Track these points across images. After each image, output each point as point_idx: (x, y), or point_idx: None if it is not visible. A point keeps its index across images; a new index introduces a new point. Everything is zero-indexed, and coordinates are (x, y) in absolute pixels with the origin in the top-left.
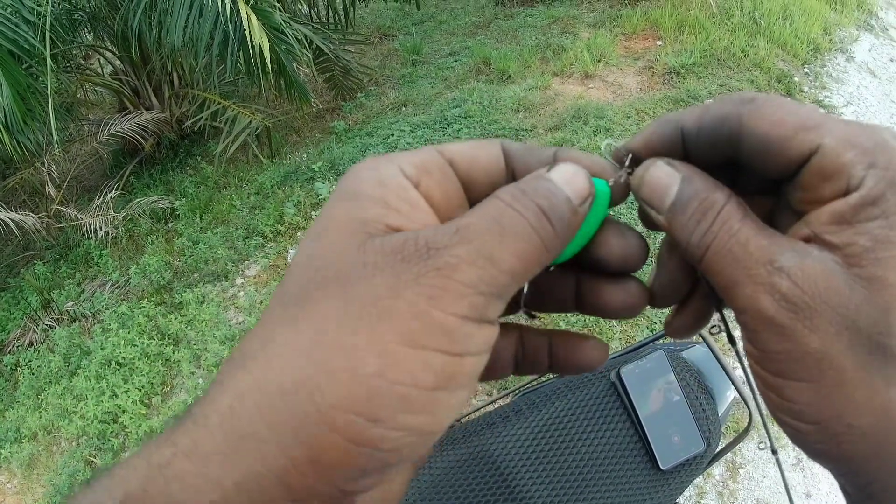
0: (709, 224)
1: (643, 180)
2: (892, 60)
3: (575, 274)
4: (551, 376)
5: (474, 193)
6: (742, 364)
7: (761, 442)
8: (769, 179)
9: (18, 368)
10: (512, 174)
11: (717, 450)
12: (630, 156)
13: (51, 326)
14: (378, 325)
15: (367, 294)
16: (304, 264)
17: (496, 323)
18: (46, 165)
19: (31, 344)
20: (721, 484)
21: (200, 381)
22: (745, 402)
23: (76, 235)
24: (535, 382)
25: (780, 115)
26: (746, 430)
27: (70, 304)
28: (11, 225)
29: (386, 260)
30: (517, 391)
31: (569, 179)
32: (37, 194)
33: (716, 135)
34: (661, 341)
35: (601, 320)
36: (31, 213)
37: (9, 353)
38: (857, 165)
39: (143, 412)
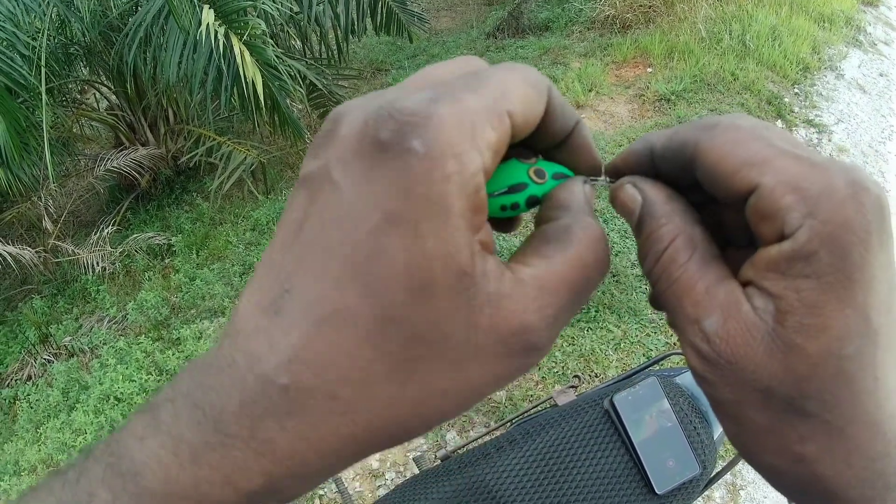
0: (655, 260)
1: (615, 201)
2: (881, 75)
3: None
4: (544, 406)
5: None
6: None
7: None
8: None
9: (17, 402)
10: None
11: (714, 473)
12: (603, 174)
13: (49, 361)
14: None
15: (478, 381)
16: (406, 319)
17: None
18: (43, 200)
19: (29, 378)
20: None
21: None
22: None
23: (73, 270)
24: (530, 412)
25: (728, 149)
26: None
27: (68, 338)
28: (9, 259)
29: (496, 349)
30: (512, 421)
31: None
32: (34, 228)
33: (676, 159)
34: (654, 367)
35: (597, 350)
36: (29, 248)
37: (7, 386)
38: (792, 212)
39: None
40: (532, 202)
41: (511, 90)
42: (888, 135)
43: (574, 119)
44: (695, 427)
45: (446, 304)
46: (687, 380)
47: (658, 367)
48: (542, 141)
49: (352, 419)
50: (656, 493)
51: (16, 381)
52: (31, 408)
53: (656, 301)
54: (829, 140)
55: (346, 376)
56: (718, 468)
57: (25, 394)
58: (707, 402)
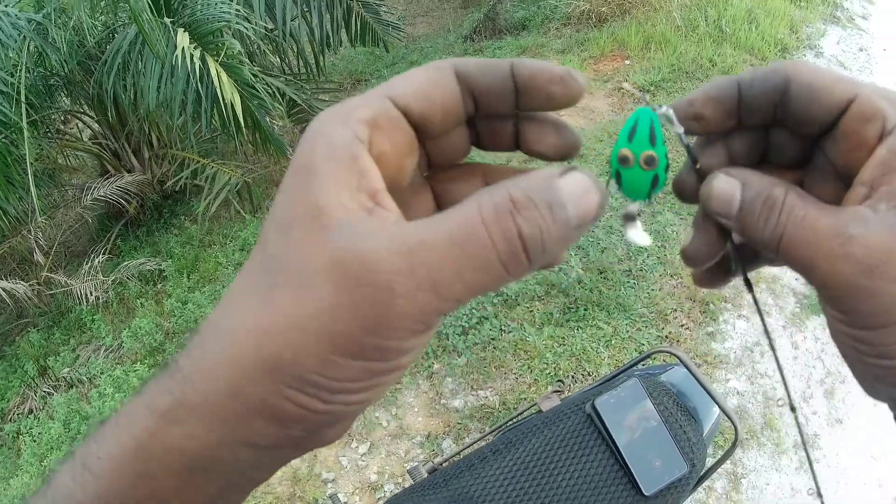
0: (776, 218)
1: (710, 195)
2: (861, 50)
3: (513, 121)
4: (529, 413)
5: (430, 134)
6: (761, 315)
7: (779, 399)
8: (805, 139)
9: (20, 436)
10: (472, 98)
11: (704, 470)
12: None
13: (49, 393)
14: (322, 338)
15: (319, 306)
16: (273, 255)
17: (433, 325)
18: (33, 233)
19: (30, 411)
20: (724, 497)
21: None
22: (730, 418)
23: (67, 301)
24: (512, 421)
25: (821, 71)
26: (733, 447)
27: (66, 370)
28: (3, 294)
29: (333, 276)
30: (495, 431)
31: (579, 196)
32: (26, 262)
33: (767, 83)
34: (637, 367)
35: (588, 348)
36: (22, 282)
37: (10, 421)
38: (889, 110)
39: None
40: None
41: (400, 80)
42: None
43: (507, 69)
44: (681, 425)
45: (301, 236)
46: (673, 377)
47: (643, 366)
48: (529, 103)
49: (230, 339)
50: (644, 495)
51: (18, 415)
52: (35, 441)
53: (777, 252)
54: None
55: (228, 303)
56: (710, 464)
57: (28, 428)
58: (695, 399)
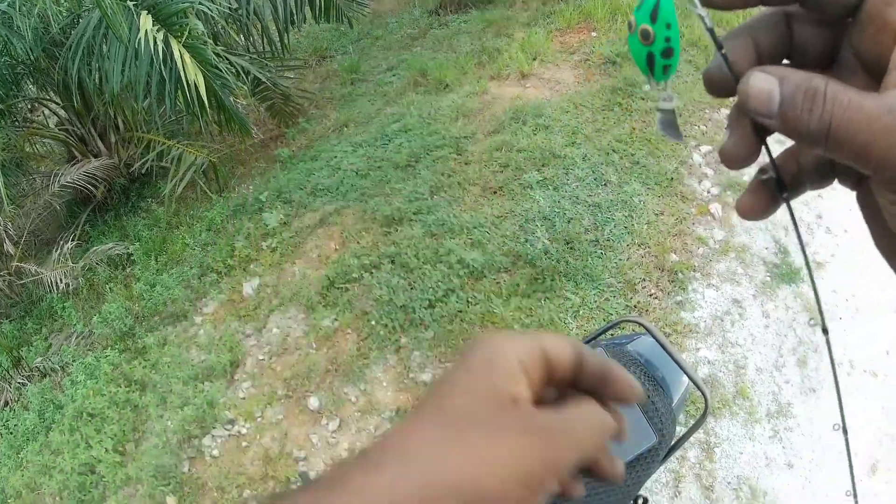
0: (821, 107)
1: (748, 94)
2: None
3: None
4: None
5: (554, 373)
6: (794, 219)
7: (812, 318)
8: (829, 30)
9: None
10: (580, 365)
11: (675, 440)
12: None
13: (23, 384)
14: (512, 475)
15: (511, 451)
16: (456, 406)
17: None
18: (2, 223)
19: (6, 404)
20: (697, 466)
21: (168, 423)
22: (699, 388)
23: (38, 290)
24: None
25: None
26: (703, 416)
27: (39, 359)
28: None
29: (522, 432)
30: None
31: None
32: None
33: None
34: (603, 337)
35: (556, 319)
36: None
37: None
38: None
39: (118, 460)
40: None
41: (546, 344)
42: None
43: (599, 368)
44: (649, 396)
45: (491, 405)
46: (640, 346)
47: (609, 336)
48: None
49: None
50: None
51: None
52: (11, 433)
53: (826, 142)
54: None
55: (411, 437)
56: (680, 434)
57: (4, 420)
58: (663, 369)
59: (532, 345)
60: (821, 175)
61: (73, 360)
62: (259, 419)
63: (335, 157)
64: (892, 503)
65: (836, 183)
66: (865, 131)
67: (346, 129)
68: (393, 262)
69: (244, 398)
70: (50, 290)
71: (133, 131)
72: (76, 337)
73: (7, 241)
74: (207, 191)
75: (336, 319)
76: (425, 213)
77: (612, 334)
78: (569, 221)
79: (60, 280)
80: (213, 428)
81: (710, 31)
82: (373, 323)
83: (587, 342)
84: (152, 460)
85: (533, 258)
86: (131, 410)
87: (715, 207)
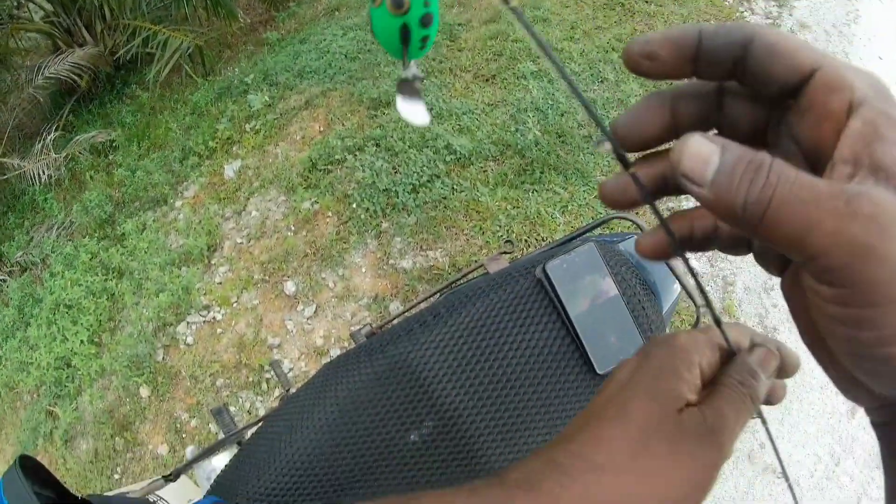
0: (764, 178)
1: (682, 153)
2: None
3: None
4: (475, 275)
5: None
6: (699, 284)
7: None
8: (762, 110)
9: None
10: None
11: None
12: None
13: (3, 280)
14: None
15: (689, 461)
16: (641, 414)
17: None
18: None
19: None
20: None
21: (144, 310)
22: (690, 296)
23: (21, 184)
24: (459, 282)
25: (785, 35)
26: (695, 326)
27: (20, 254)
28: None
29: (693, 436)
30: (439, 293)
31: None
32: None
33: (730, 36)
34: (594, 233)
35: (543, 212)
36: None
37: None
38: (856, 80)
39: (93, 351)
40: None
41: (728, 329)
42: (853, 17)
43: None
44: (639, 300)
45: (661, 409)
46: (631, 247)
47: (599, 233)
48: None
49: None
50: (597, 373)
51: None
52: None
53: (761, 219)
54: (791, 15)
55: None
56: None
57: None
58: (654, 273)
59: (713, 347)
60: (731, 246)
61: (53, 252)
62: (235, 305)
63: (324, 40)
64: (870, 447)
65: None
66: (812, 211)
67: (337, 13)
68: (378, 145)
69: (220, 283)
70: (32, 183)
71: (120, 19)
72: (56, 228)
73: None
74: (193, 75)
75: (316, 202)
76: None
77: (600, 232)
78: (562, 115)
79: (42, 172)
80: (188, 315)
81: (594, 115)
82: (354, 206)
83: (575, 237)
84: (127, 350)
85: (523, 148)
86: (108, 299)
87: None
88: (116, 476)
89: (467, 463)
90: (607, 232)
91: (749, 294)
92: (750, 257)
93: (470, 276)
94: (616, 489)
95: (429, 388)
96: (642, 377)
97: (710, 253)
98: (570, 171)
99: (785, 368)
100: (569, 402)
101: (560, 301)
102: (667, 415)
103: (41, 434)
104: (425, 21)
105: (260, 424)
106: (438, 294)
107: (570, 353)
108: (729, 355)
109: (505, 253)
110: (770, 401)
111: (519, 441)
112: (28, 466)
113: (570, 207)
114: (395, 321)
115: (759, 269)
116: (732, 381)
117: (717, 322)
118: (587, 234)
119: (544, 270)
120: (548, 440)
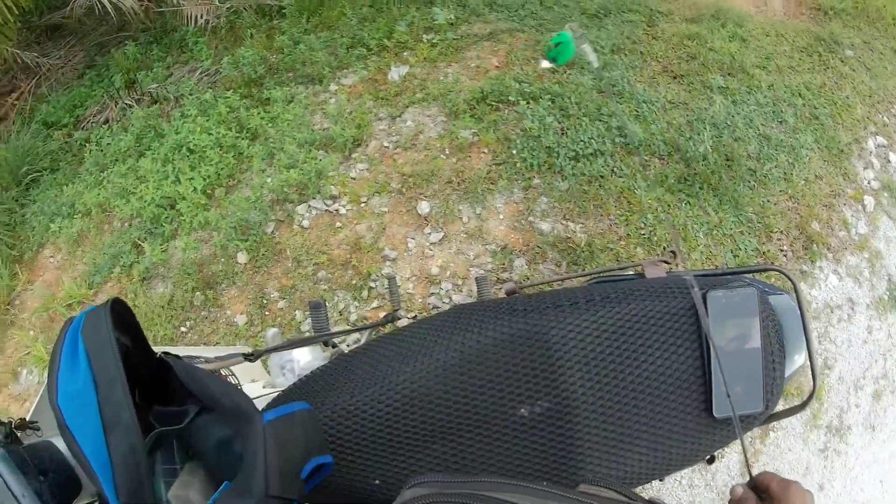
0: None
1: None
2: None
3: None
4: (630, 271)
5: None
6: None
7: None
8: None
9: (87, 145)
10: None
11: (770, 413)
12: None
13: (129, 106)
14: None
15: None
16: None
17: None
18: None
19: (106, 121)
20: (748, 438)
21: (269, 179)
22: (813, 373)
23: (174, 21)
24: (614, 273)
25: None
26: (807, 402)
27: (154, 85)
28: (108, 5)
29: None
30: (593, 277)
31: None
32: None
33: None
34: (753, 276)
35: (689, 228)
36: None
37: (82, 128)
38: None
39: (203, 202)
40: None
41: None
42: None
43: None
44: (774, 359)
45: None
46: (780, 302)
47: (751, 277)
48: None
49: None
50: (712, 415)
51: (92, 123)
52: (101, 151)
53: None
54: None
55: None
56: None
57: (98, 137)
58: (789, 337)
59: None
60: None
61: (190, 94)
62: (363, 204)
63: None
64: None
65: None
66: None
67: None
68: (553, 101)
69: (355, 178)
70: (186, 23)
71: None
72: (200, 73)
73: None
74: None
75: (476, 135)
76: (600, 68)
77: (753, 276)
78: (736, 140)
79: (201, 16)
80: (313, 198)
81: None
82: (513, 152)
83: (732, 273)
84: (238, 212)
85: (690, 158)
86: (234, 157)
87: (868, 200)
88: (183, 329)
89: (563, 457)
90: (758, 277)
91: (841, 384)
92: (856, 348)
93: (625, 272)
94: None
95: (557, 370)
96: None
97: (822, 330)
98: (727, 197)
99: None
100: (675, 435)
101: (708, 333)
102: None
103: (120, 264)
104: None
105: (359, 338)
106: (590, 277)
107: (696, 387)
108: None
109: (665, 262)
110: None
111: (618, 454)
112: (116, 311)
113: (714, 233)
114: (539, 287)
115: (858, 361)
116: None
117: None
118: (745, 275)
119: (704, 298)
120: (643, 463)
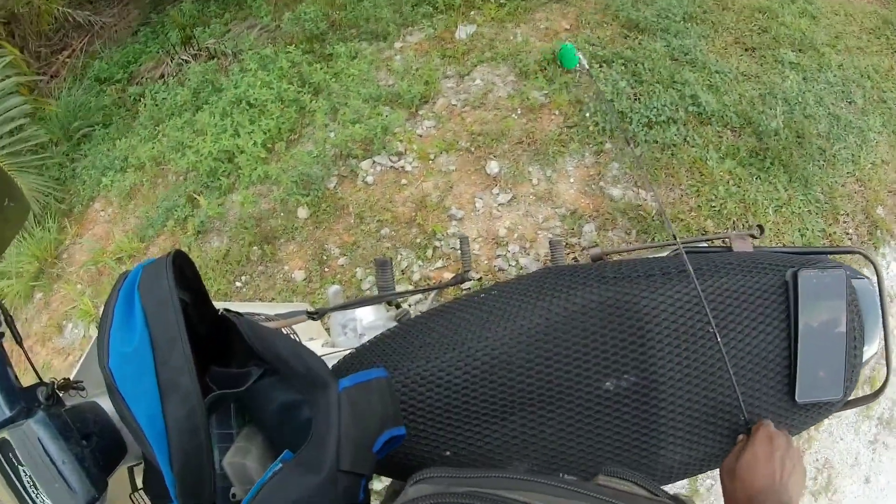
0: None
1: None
2: None
3: None
4: (720, 243)
5: None
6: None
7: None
8: None
9: (142, 100)
10: None
11: (847, 399)
12: None
13: (186, 61)
14: None
15: None
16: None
17: None
18: None
19: (161, 77)
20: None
21: (332, 134)
22: (888, 360)
23: None
24: (702, 244)
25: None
26: (881, 389)
27: (212, 41)
28: None
29: None
30: (680, 247)
31: None
32: None
33: None
34: (840, 257)
35: (759, 203)
36: None
37: (137, 83)
38: None
39: (263, 156)
40: None
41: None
42: None
43: None
44: (856, 345)
45: None
46: (861, 286)
47: (843, 258)
48: None
49: None
50: (793, 399)
51: (147, 79)
52: (156, 105)
53: None
54: None
55: None
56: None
57: (153, 92)
58: (867, 320)
59: None
60: None
61: (250, 49)
62: (430, 162)
63: None
64: None
65: None
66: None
67: None
68: (625, 66)
69: (422, 136)
70: None
71: None
72: (259, 29)
73: None
74: None
75: (548, 96)
76: (672, 35)
77: (846, 258)
78: (806, 117)
79: None
80: (378, 154)
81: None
82: (586, 115)
83: (819, 253)
84: (299, 166)
85: (763, 132)
86: (296, 111)
87: None
88: (238, 284)
89: (645, 435)
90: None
91: (894, 376)
92: None
93: (712, 243)
94: None
95: (646, 342)
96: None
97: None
98: (797, 174)
99: None
100: (755, 418)
101: (797, 311)
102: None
103: (174, 217)
104: None
105: (422, 298)
106: (674, 249)
107: (780, 369)
108: None
109: (752, 237)
110: None
111: (700, 435)
112: (176, 264)
113: (783, 210)
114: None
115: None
116: None
117: None
118: (828, 256)
119: (795, 276)
120: (721, 445)
